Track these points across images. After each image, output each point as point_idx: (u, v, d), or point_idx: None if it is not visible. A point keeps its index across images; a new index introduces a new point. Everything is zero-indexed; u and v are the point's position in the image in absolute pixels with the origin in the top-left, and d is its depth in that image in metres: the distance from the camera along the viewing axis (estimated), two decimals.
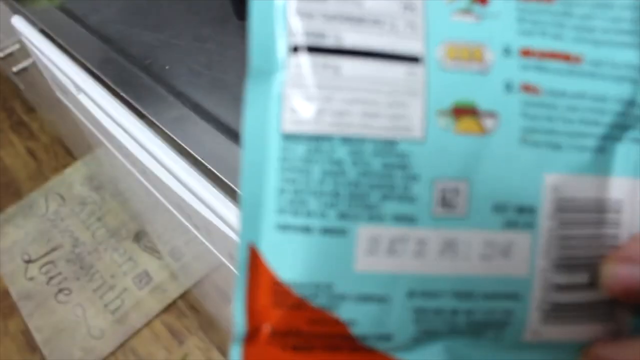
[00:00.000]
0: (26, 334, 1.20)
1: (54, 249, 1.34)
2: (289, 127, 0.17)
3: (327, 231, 0.17)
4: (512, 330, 0.18)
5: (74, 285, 1.26)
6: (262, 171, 0.17)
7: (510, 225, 0.17)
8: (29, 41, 0.62)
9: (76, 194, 1.46)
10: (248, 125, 0.17)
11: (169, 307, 1.20)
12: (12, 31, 0.68)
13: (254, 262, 0.17)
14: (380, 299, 0.17)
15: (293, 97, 0.17)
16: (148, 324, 1.18)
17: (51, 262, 1.31)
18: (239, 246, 0.18)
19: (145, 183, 0.58)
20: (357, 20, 0.17)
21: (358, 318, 0.17)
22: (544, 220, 0.18)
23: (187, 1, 0.55)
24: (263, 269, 0.17)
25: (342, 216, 0.17)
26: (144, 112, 0.45)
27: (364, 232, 0.17)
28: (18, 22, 0.63)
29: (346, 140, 0.17)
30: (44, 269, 1.30)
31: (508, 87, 0.17)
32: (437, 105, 0.17)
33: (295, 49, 0.17)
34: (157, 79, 0.47)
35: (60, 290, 1.25)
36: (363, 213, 0.17)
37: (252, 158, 0.17)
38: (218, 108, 0.43)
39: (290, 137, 0.17)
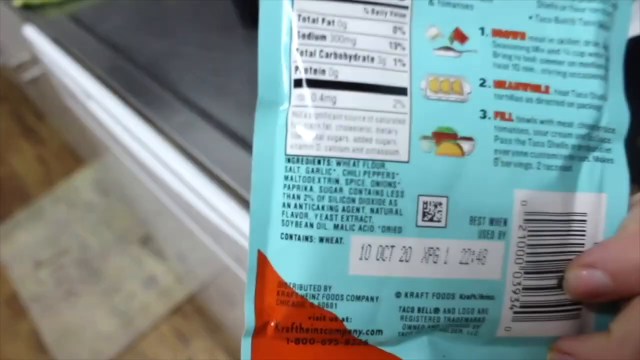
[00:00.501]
0: (36, 335, 1.21)
1: (62, 253, 1.35)
2: (293, 150, 0.19)
3: (324, 240, 0.19)
4: (487, 327, 0.20)
5: (82, 289, 1.27)
6: (269, 188, 0.19)
7: (485, 235, 0.20)
8: (40, 50, 0.62)
9: (84, 199, 1.47)
10: (257, 149, 0.20)
11: (175, 311, 1.21)
12: (23, 41, 0.68)
13: (262, 267, 0.20)
14: (371, 299, 0.20)
15: (296, 125, 0.19)
16: (154, 327, 1.19)
17: (60, 266, 1.33)
18: (249, 252, 0.20)
19: (153, 188, 0.58)
20: (351, 57, 0.19)
21: (352, 315, 0.20)
22: (515, 231, 0.20)
23: (192, 10, 0.56)
24: (270, 272, 0.20)
25: (338, 227, 0.19)
26: (152, 118, 0.46)
27: (356, 240, 0.19)
28: (29, 32, 0.63)
29: (341, 161, 0.19)
30: (52, 273, 1.31)
31: (483, 114, 0.20)
32: (420, 131, 0.19)
33: (298, 83, 0.19)
34: (164, 85, 0.47)
35: (68, 294, 1.27)
36: (356, 224, 0.19)
37: (261, 177, 0.20)
38: (224, 114, 0.44)
39: (293, 159, 0.19)
